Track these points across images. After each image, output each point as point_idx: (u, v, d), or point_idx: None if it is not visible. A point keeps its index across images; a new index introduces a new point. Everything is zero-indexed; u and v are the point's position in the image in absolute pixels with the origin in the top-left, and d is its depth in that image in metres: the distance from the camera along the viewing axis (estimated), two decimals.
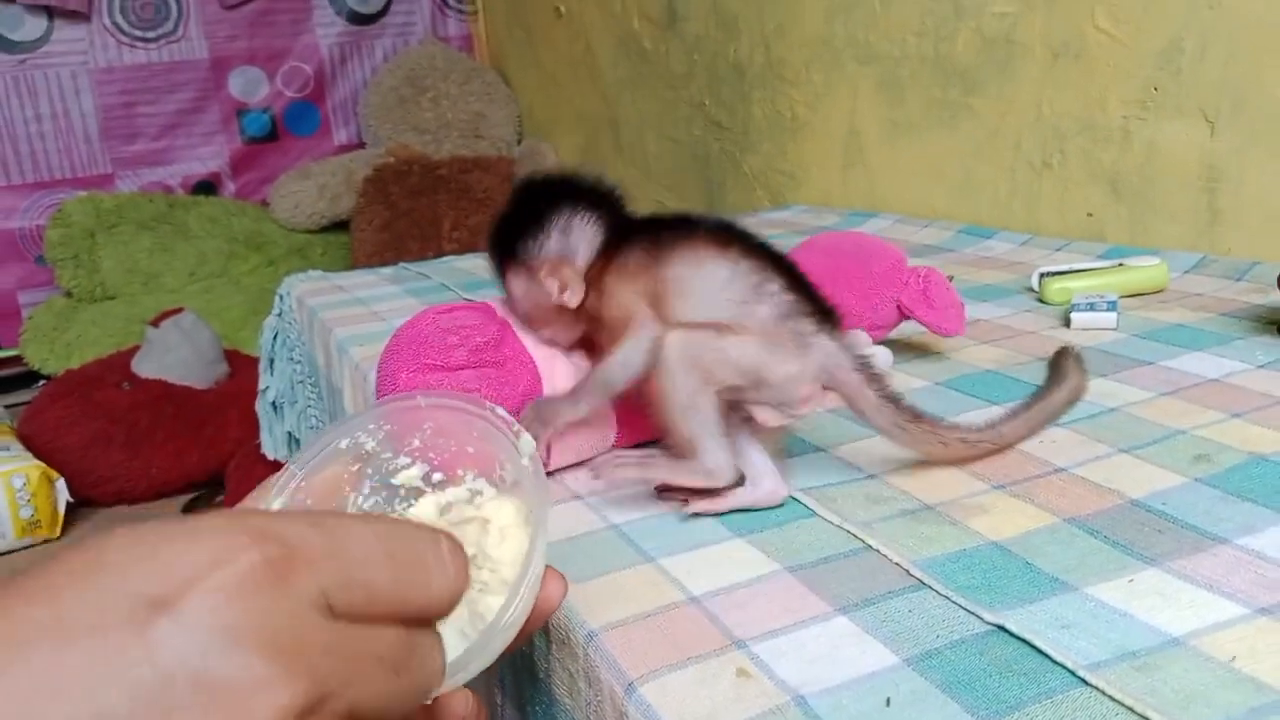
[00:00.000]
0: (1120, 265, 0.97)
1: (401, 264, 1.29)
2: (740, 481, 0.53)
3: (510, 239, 0.58)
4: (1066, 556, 0.47)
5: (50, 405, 2.04)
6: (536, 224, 0.57)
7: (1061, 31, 1.18)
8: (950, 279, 0.81)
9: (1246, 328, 0.80)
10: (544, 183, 0.60)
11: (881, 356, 0.75)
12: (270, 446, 1.24)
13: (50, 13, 2.51)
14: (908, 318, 0.77)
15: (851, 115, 1.57)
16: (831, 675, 0.39)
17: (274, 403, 1.23)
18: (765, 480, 0.54)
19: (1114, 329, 0.83)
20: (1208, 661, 0.39)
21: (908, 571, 0.47)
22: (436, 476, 0.39)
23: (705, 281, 0.53)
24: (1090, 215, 1.20)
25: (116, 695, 0.19)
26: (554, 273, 0.56)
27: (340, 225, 2.70)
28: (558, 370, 0.60)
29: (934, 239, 1.27)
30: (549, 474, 0.59)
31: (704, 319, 0.52)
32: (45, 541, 1.85)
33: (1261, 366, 0.71)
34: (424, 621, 0.27)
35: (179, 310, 2.21)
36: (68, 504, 1.87)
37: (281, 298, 1.21)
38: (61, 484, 1.86)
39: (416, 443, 0.39)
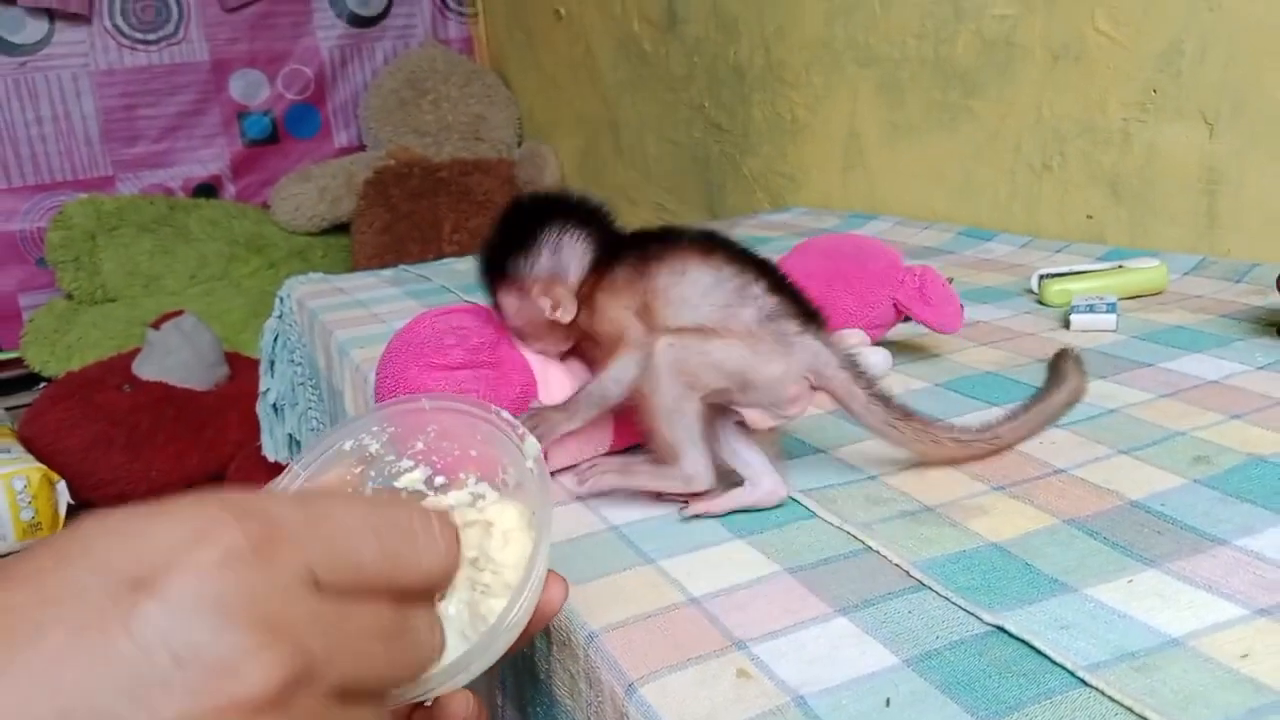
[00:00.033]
0: (1120, 267, 0.97)
1: (402, 266, 1.30)
2: (715, 485, 0.54)
3: (502, 258, 0.59)
4: (1066, 557, 0.47)
5: (51, 407, 2.04)
6: (527, 243, 0.58)
7: (1061, 34, 1.19)
8: (950, 281, 0.81)
9: (1246, 329, 0.80)
10: (534, 202, 0.61)
11: (881, 358, 0.75)
12: (271, 449, 1.24)
13: (51, 15, 2.52)
14: (905, 317, 0.77)
15: (851, 117, 1.57)
16: (831, 676, 0.39)
17: (275, 405, 1.23)
18: (764, 481, 0.54)
19: (1113, 331, 0.83)
20: (1207, 662, 0.39)
21: (908, 573, 0.47)
22: (439, 480, 0.39)
23: (690, 288, 0.54)
24: (1090, 217, 1.20)
25: (99, 676, 0.19)
26: (546, 291, 0.57)
27: (341, 228, 2.71)
28: (552, 373, 0.61)
29: (934, 241, 1.28)
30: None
31: (689, 324, 0.53)
32: None
33: (1261, 368, 0.71)
34: (419, 597, 0.26)
35: (180, 313, 2.21)
36: (69, 506, 1.87)
37: (282, 300, 1.21)
38: (62, 486, 1.87)
39: (420, 445, 0.39)
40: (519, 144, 2.87)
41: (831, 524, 0.52)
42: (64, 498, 1.86)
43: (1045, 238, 1.21)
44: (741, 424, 0.56)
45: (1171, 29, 1.06)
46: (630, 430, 0.61)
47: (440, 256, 1.73)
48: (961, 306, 0.77)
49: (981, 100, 1.32)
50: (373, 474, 0.39)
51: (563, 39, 2.49)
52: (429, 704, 0.32)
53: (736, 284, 0.53)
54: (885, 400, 0.55)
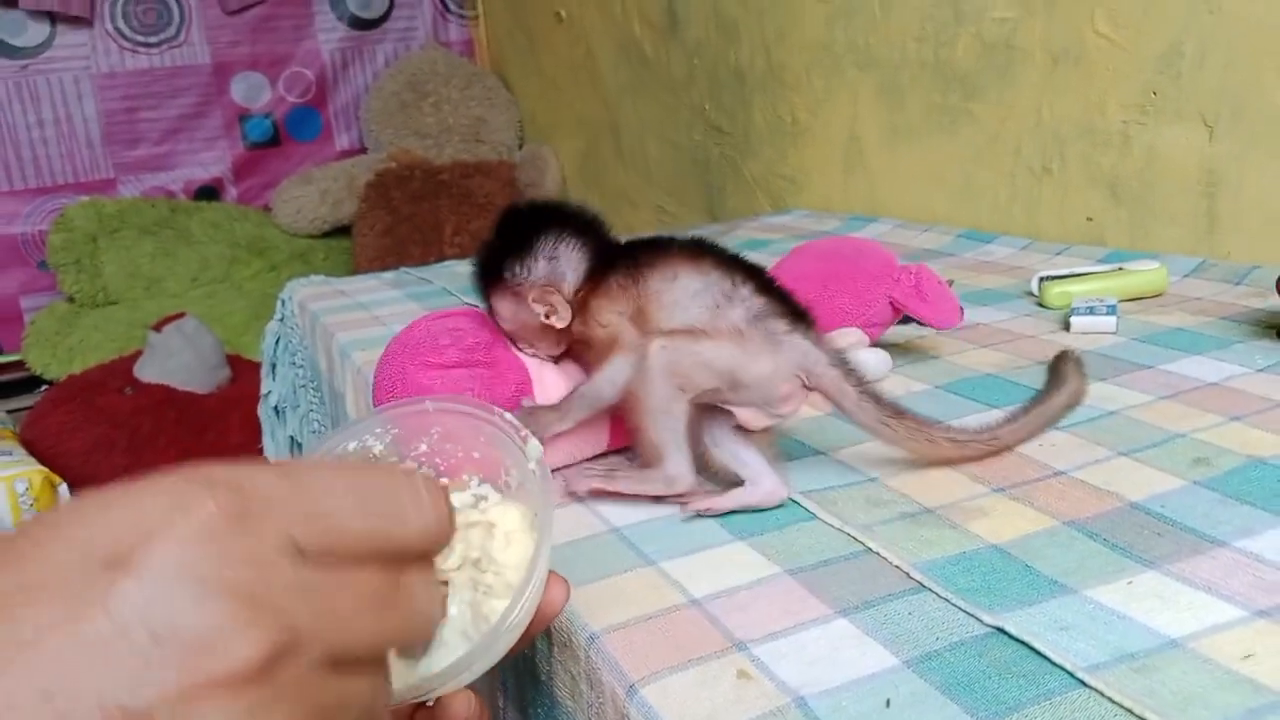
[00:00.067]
0: (1120, 269, 0.97)
1: (403, 269, 1.30)
2: (696, 487, 0.55)
3: (498, 262, 0.60)
4: (1066, 559, 0.47)
5: (53, 410, 2.04)
6: (525, 249, 0.59)
7: (1061, 36, 1.19)
8: (950, 283, 0.81)
9: (1246, 331, 0.80)
10: (532, 209, 0.62)
11: (880, 360, 0.75)
12: (272, 451, 1.24)
13: (53, 18, 2.52)
14: (905, 318, 0.78)
15: (852, 120, 1.57)
16: (832, 677, 0.40)
17: (276, 407, 1.23)
18: (764, 481, 0.55)
19: (1113, 333, 0.83)
20: (1206, 663, 0.39)
21: (908, 574, 0.47)
22: (442, 481, 0.40)
23: (680, 292, 0.55)
24: (1090, 220, 1.20)
25: (79, 657, 0.19)
26: (542, 298, 0.59)
27: (342, 230, 2.71)
28: (547, 374, 0.62)
29: (934, 243, 1.28)
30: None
31: (681, 325, 0.54)
32: None
33: (1261, 370, 0.71)
34: (413, 560, 0.26)
35: (181, 315, 2.22)
36: None
37: (284, 302, 1.21)
38: (64, 489, 1.87)
39: (423, 447, 0.39)
40: (520, 146, 2.88)
41: (832, 526, 0.52)
42: (65, 500, 1.86)
43: (1045, 240, 1.21)
44: (739, 428, 0.57)
45: (1171, 31, 1.07)
46: (626, 432, 0.62)
47: (441, 259, 1.73)
48: (958, 302, 0.78)
49: (981, 103, 1.32)
50: None
51: (563, 42, 2.49)
52: (431, 704, 0.32)
53: (724, 286, 0.55)
54: (877, 398, 0.55)
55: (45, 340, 2.43)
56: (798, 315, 0.56)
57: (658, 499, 0.56)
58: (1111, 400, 0.67)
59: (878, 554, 0.49)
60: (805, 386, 0.55)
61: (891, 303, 0.76)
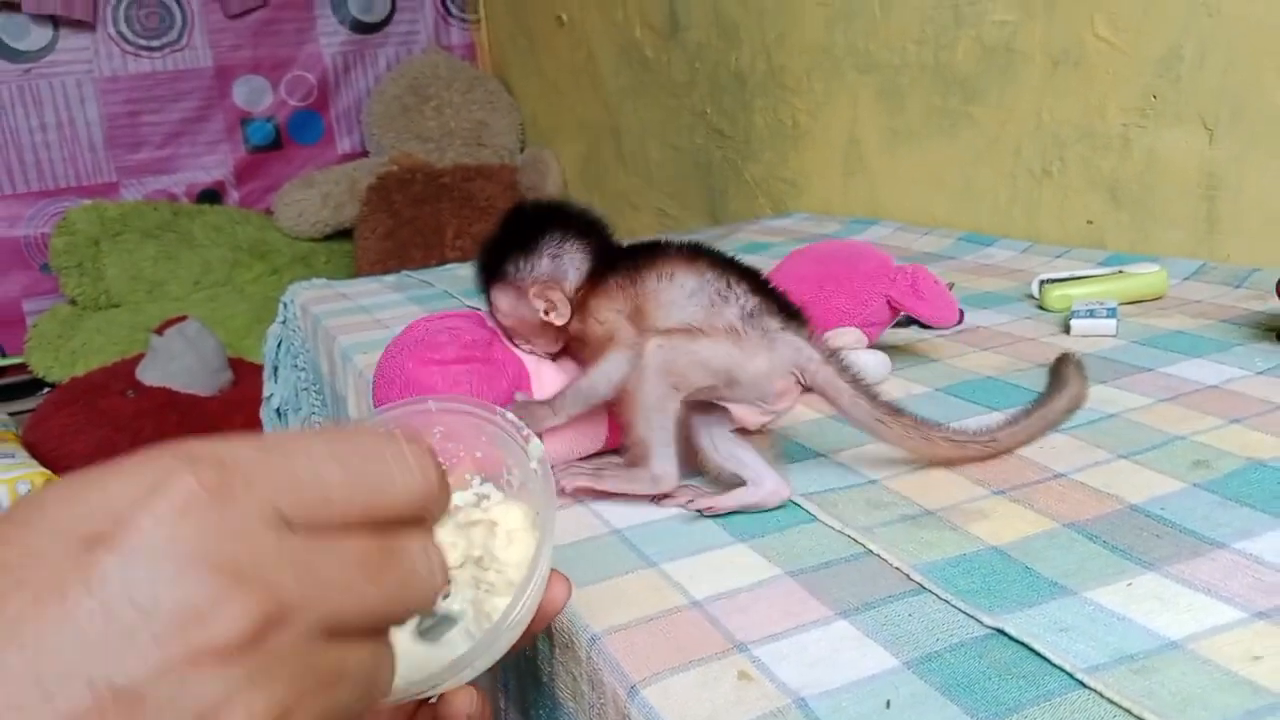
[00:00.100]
0: (1120, 272, 0.97)
1: (405, 272, 1.30)
2: (680, 486, 0.57)
3: (502, 257, 0.61)
4: (1066, 561, 0.47)
5: (55, 413, 2.04)
6: (529, 246, 0.60)
7: (1061, 39, 1.19)
8: (951, 286, 0.82)
9: (1245, 334, 0.80)
10: (539, 208, 0.64)
11: (878, 361, 0.75)
12: None
13: (56, 22, 2.53)
14: (905, 320, 0.78)
15: (852, 123, 1.58)
16: (832, 678, 0.40)
17: (278, 410, 1.23)
18: (766, 481, 0.55)
19: (1114, 335, 0.83)
20: (1205, 664, 0.39)
21: (908, 576, 0.47)
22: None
23: (677, 292, 0.56)
24: (1090, 222, 1.20)
25: (65, 638, 0.19)
26: (542, 294, 0.60)
27: (344, 233, 2.71)
28: (545, 370, 0.63)
29: (934, 246, 1.28)
30: None
31: (677, 324, 0.55)
32: None
33: (1260, 373, 0.71)
34: (407, 524, 0.25)
35: (183, 318, 2.22)
36: None
37: (286, 305, 1.22)
38: None
39: None
40: (521, 150, 2.88)
41: (832, 528, 0.52)
42: None
43: (1046, 243, 1.21)
44: (739, 430, 0.58)
45: (1170, 34, 1.07)
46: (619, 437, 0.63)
47: (443, 262, 1.73)
48: (955, 299, 0.78)
49: (981, 106, 1.32)
50: None
51: (565, 45, 2.50)
52: (434, 700, 0.32)
53: (719, 286, 0.56)
54: (872, 395, 0.56)
55: (47, 343, 2.43)
56: (791, 313, 0.57)
57: (647, 498, 0.56)
58: (1112, 403, 0.67)
59: (878, 556, 0.49)
60: (799, 383, 0.56)
61: (889, 302, 0.76)
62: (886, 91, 1.49)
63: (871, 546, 0.50)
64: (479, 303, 0.65)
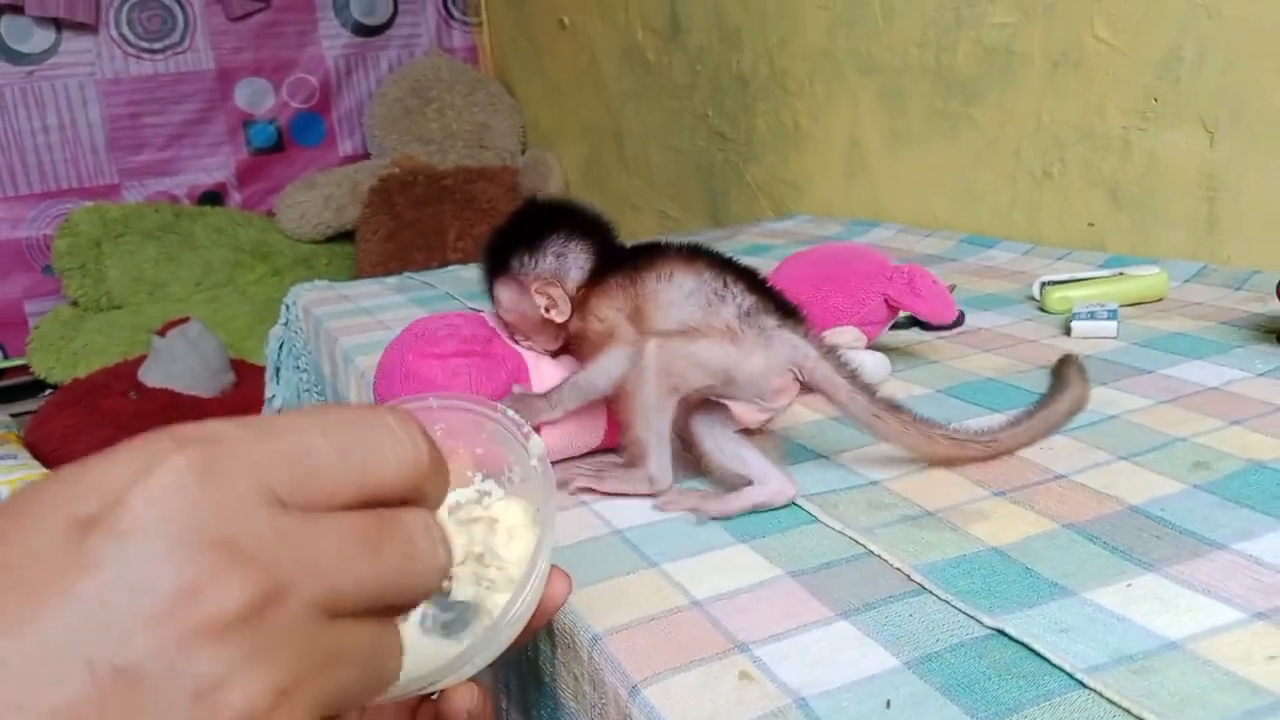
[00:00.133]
0: (1120, 274, 0.97)
1: (406, 274, 1.30)
2: (674, 485, 0.57)
3: (508, 251, 0.62)
4: (1066, 562, 0.48)
5: (57, 414, 2.05)
6: (534, 242, 0.61)
7: (1061, 41, 1.19)
8: (952, 288, 0.82)
9: (1246, 336, 0.80)
10: (548, 206, 0.65)
11: (877, 362, 0.76)
12: None
13: (58, 24, 2.53)
14: (904, 320, 0.78)
15: (853, 126, 1.58)
16: (832, 678, 0.40)
17: (280, 411, 1.24)
18: (772, 480, 0.56)
19: (1114, 337, 0.83)
20: (1205, 665, 0.39)
21: (908, 576, 0.47)
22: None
23: (676, 292, 0.57)
24: (1091, 225, 1.20)
25: (64, 620, 0.19)
26: (544, 290, 0.61)
27: (345, 235, 2.72)
28: (544, 366, 0.63)
29: (936, 249, 1.28)
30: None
31: (676, 324, 0.56)
32: None
33: (1261, 374, 0.71)
34: (403, 499, 0.25)
35: (185, 320, 2.22)
36: None
37: (288, 307, 1.22)
38: None
39: None
40: (523, 152, 2.88)
41: (833, 528, 0.53)
42: None
43: (1047, 245, 1.22)
44: (741, 431, 0.58)
45: (1170, 36, 1.07)
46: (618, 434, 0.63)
47: (445, 264, 1.74)
48: (952, 297, 0.78)
49: (982, 108, 1.33)
50: None
51: (567, 48, 2.50)
52: (436, 696, 0.32)
53: (715, 285, 0.57)
54: (870, 391, 0.56)
55: (49, 344, 2.44)
56: (788, 311, 0.57)
57: (649, 499, 0.57)
58: (1112, 404, 0.68)
59: (879, 556, 0.49)
60: (797, 380, 0.56)
61: (886, 300, 0.77)
62: (887, 94, 1.49)
63: (872, 547, 0.50)
64: (480, 305, 0.65)
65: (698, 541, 0.52)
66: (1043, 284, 0.97)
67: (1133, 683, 0.38)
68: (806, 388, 0.57)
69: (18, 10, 2.46)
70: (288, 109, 2.83)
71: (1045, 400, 0.62)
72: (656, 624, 0.45)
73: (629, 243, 0.63)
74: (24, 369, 2.49)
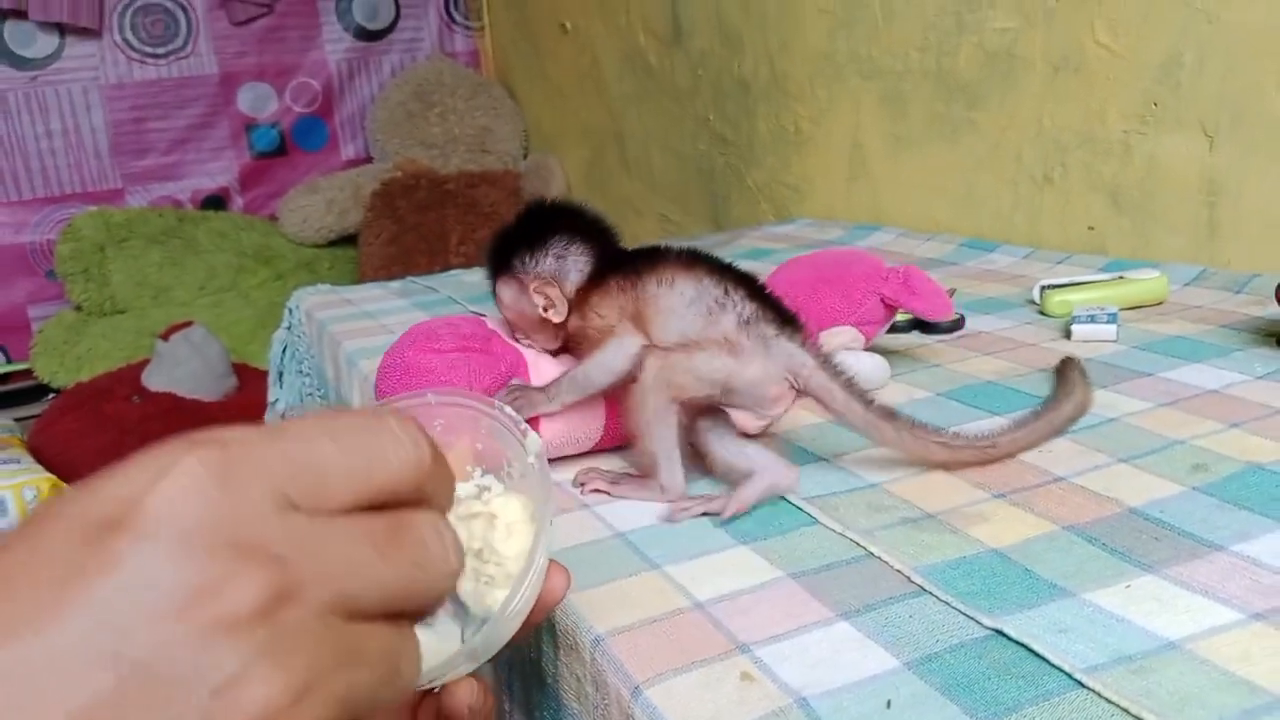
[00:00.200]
0: (1121, 278, 0.97)
1: (409, 278, 1.31)
2: (687, 494, 0.58)
3: (509, 250, 0.63)
4: (1065, 563, 0.48)
5: (60, 418, 2.05)
6: (536, 242, 0.62)
7: (1062, 46, 1.20)
8: (952, 292, 0.82)
9: (1245, 339, 0.81)
10: (552, 207, 0.66)
11: (875, 364, 0.76)
12: None
13: (62, 29, 2.54)
14: (901, 321, 0.79)
15: (855, 129, 1.58)
16: (833, 678, 0.40)
17: (283, 415, 1.24)
18: (777, 467, 0.57)
19: (1114, 341, 0.83)
20: (1203, 665, 0.39)
21: (908, 578, 0.47)
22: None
23: (677, 299, 0.58)
24: (1091, 228, 1.21)
25: (85, 620, 0.19)
26: (542, 290, 0.62)
27: (348, 239, 2.72)
28: (544, 363, 0.64)
29: (937, 252, 1.28)
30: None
31: (676, 336, 0.57)
32: None
33: (1260, 378, 0.72)
34: (408, 503, 0.25)
35: (188, 324, 2.23)
36: None
37: (291, 311, 1.22)
38: None
39: None
40: (525, 156, 2.89)
41: (834, 530, 0.53)
42: None
43: (1047, 248, 1.22)
44: (742, 434, 0.59)
45: (1170, 41, 1.07)
46: (621, 416, 0.64)
47: (447, 268, 1.74)
48: (962, 315, 0.79)
49: (983, 112, 1.33)
50: None
51: (569, 52, 2.51)
52: (437, 690, 0.33)
53: (716, 294, 0.57)
54: (865, 399, 0.57)
55: (53, 349, 2.44)
56: (786, 320, 0.58)
57: (663, 506, 0.57)
58: (1112, 407, 0.68)
59: (879, 558, 0.50)
60: (794, 388, 0.57)
61: (883, 299, 0.77)
62: (889, 98, 1.49)
63: (872, 549, 0.50)
64: (483, 309, 0.66)
65: (699, 544, 0.53)
66: (1043, 287, 0.97)
67: (1131, 682, 0.38)
68: (801, 394, 0.57)
69: (21, 15, 2.47)
70: (290, 113, 2.84)
71: (1049, 404, 0.63)
72: (658, 625, 0.45)
73: (630, 246, 0.64)
74: (27, 373, 2.49)
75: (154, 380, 2.14)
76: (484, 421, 0.38)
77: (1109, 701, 0.37)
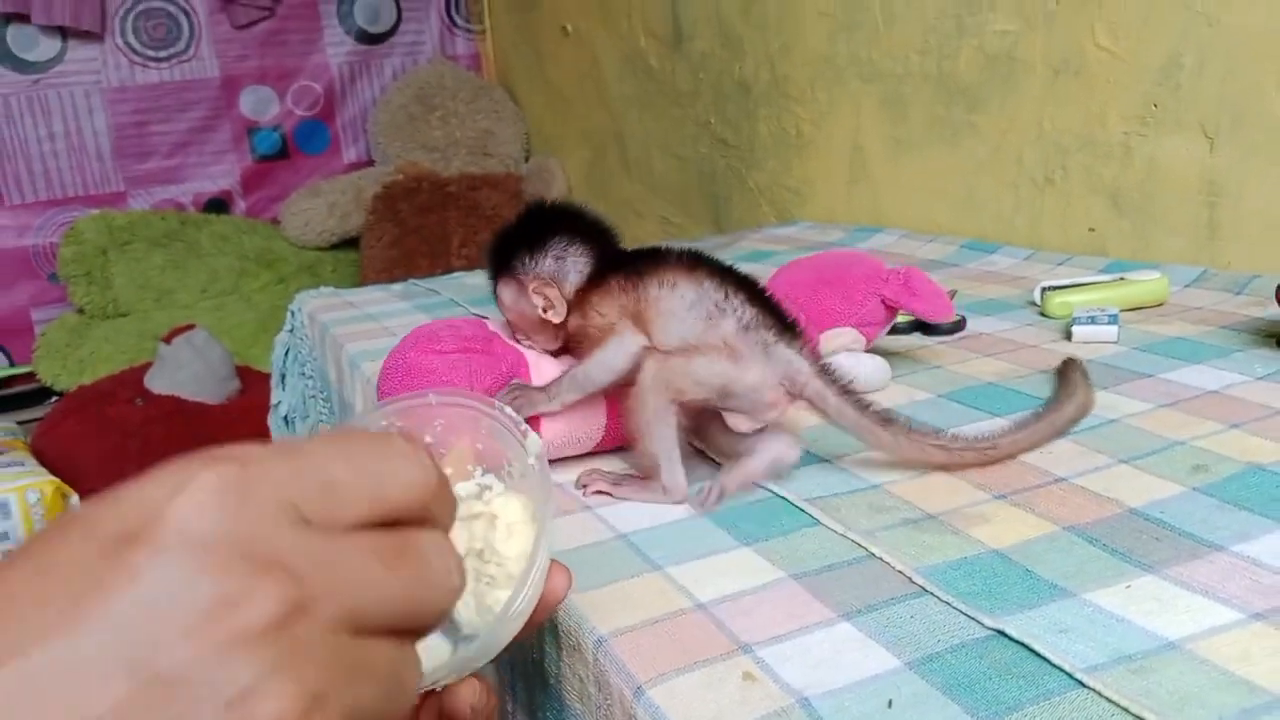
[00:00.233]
0: (1121, 279, 0.98)
1: (411, 280, 1.31)
2: (689, 497, 0.59)
3: (509, 251, 0.64)
4: (1066, 563, 0.48)
5: (63, 421, 2.05)
6: (536, 243, 0.63)
7: (1062, 49, 1.20)
8: (953, 293, 0.82)
9: (1246, 340, 0.81)
10: (551, 208, 0.66)
11: (879, 368, 0.76)
12: None
13: (64, 33, 2.55)
14: (902, 323, 0.79)
15: (855, 132, 1.59)
16: (835, 678, 0.40)
17: (286, 418, 1.24)
18: (779, 440, 0.58)
19: (1115, 342, 0.84)
20: (1203, 664, 0.40)
21: (910, 579, 0.48)
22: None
23: (678, 302, 0.58)
24: (1092, 230, 1.21)
25: (104, 634, 0.20)
26: (541, 291, 0.62)
27: (350, 242, 2.73)
28: (545, 363, 0.65)
29: (938, 254, 1.29)
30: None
31: (677, 339, 0.57)
32: None
33: (1260, 379, 0.72)
34: (416, 520, 0.26)
35: (191, 327, 2.23)
36: None
37: (293, 314, 1.22)
38: (75, 499, 1.88)
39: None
40: (526, 159, 2.89)
41: (835, 531, 0.53)
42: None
43: (1048, 250, 1.22)
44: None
45: (1170, 43, 1.08)
46: (622, 416, 0.64)
47: (449, 270, 1.74)
48: (963, 316, 0.79)
49: (984, 115, 1.33)
50: None
51: (570, 55, 2.51)
52: (440, 690, 0.33)
53: (717, 297, 0.57)
54: (860, 403, 0.57)
55: (56, 352, 2.45)
56: (785, 325, 0.58)
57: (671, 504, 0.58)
58: (1112, 408, 0.68)
59: (880, 559, 0.50)
60: (790, 394, 0.57)
61: (883, 300, 0.77)
62: (889, 101, 1.50)
63: (874, 550, 0.50)
64: (484, 311, 0.66)
65: (701, 545, 0.53)
66: (1044, 289, 0.97)
67: (1131, 682, 0.39)
68: (797, 399, 0.58)
69: (24, 19, 2.48)
70: (292, 116, 2.85)
71: (1050, 406, 0.63)
72: (660, 626, 0.45)
73: (630, 248, 0.64)
74: (30, 376, 2.50)
75: (156, 383, 2.14)
76: (484, 422, 0.38)
77: (1109, 701, 0.38)
